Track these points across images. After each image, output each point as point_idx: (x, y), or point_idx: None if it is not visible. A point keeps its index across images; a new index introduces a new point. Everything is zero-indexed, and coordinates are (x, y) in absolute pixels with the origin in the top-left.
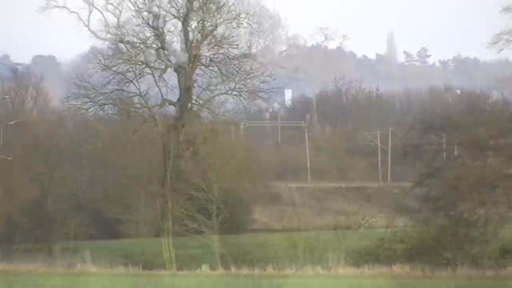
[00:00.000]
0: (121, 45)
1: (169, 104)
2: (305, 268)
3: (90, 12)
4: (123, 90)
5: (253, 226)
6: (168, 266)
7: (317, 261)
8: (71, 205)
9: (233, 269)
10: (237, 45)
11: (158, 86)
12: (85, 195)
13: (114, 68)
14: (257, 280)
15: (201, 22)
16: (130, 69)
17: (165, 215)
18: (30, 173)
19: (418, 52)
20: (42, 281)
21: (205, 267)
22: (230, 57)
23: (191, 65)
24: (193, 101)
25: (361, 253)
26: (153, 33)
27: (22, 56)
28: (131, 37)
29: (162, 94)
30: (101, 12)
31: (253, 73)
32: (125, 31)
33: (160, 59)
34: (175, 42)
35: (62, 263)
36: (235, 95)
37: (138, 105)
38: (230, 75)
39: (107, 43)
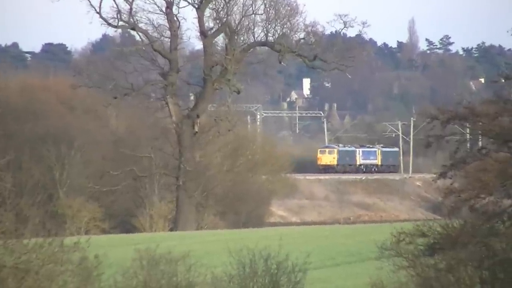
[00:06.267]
0: (134, 33)
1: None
2: (322, 263)
3: None
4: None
5: (270, 219)
6: None
7: (335, 256)
8: (83, 198)
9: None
10: (253, 32)
11: (170, 75)
12: (97, 188)
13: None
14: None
15: (216, 9)
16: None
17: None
18: (40, 164)
19: (440, 39)
20: None
21: None
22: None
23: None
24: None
25: (382, 247)
26: (166, 21)
27: (31, 44)
28: (144, 25)
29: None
30: None
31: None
32: (137, 18)
33: (175, 48)
34: (190, 30)
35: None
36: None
37: (153, 94)
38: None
39: (119, 30)
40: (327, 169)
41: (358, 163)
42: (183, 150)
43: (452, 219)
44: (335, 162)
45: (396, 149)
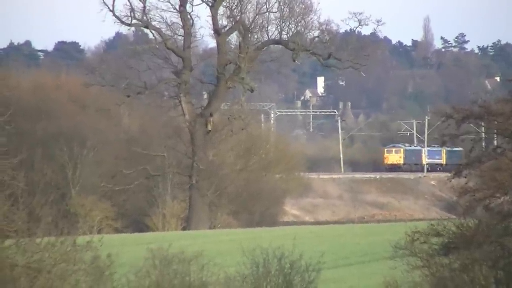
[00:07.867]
0: (147, 31)
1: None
2: (336, 262)
3: None
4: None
5: (284, 218)
6: None
7: (349, 255)
8: (96, 197)
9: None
10: (267, 30)
11: (183, 73)
12: (109, 187)
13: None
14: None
15: (230, 7)
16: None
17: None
18: (53, 163)
19: (456, 37)
20: None
21: None
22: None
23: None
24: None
25: (396, 247)
26: (180, 19)
27: (44, 42)
28: (157, 23)
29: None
30: None
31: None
32: (151, 16)
33: (188, 46)
34: (203, 28)
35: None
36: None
37: (166, 93)
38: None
39: (132, 29)
40: (393, 168)
41: (423, 162)
42: (196, 149)
43: (467, 219)
44: (401, 162)
45: (460, 148)
